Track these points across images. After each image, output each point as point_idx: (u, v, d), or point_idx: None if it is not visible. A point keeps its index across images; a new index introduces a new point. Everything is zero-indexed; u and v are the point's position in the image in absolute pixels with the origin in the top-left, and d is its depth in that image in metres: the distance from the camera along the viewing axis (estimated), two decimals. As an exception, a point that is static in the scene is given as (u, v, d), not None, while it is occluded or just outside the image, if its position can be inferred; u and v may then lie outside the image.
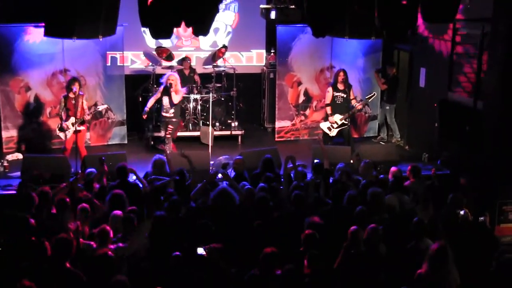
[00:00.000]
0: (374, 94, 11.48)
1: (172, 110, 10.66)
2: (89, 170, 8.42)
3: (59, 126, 10.28)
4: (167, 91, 10.61)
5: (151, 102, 10.86)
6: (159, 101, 10.88)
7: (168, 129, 10.68)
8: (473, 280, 5.92)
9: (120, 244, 6.14)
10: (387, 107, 12.40)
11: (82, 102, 10.17)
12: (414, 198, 7.58)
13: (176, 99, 10.63)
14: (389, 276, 6.02)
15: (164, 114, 10.75)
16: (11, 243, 6.15)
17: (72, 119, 10.00)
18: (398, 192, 7.57)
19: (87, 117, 10.42)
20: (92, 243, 6.22)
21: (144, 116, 10.87)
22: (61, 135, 10.28)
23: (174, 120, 10.75)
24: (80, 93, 10.12)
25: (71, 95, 9.98)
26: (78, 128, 10.05)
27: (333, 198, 7.11)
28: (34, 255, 5.86)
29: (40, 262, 5.72)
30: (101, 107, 11.01)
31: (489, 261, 6.16)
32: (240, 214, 6.82)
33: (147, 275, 5.89)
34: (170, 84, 10.54)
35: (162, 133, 10.88)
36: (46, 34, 7.42)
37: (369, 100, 11.60)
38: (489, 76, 8.96)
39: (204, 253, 5.72)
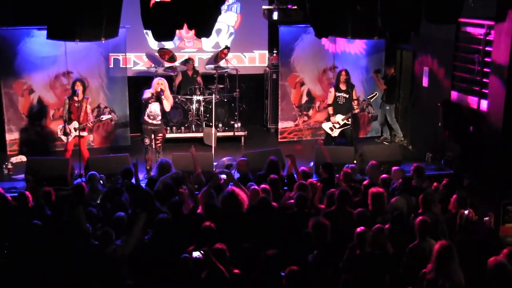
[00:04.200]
0: (376, 93, 11.49)
1: (159, 117, 10.22)
2: (91, 172, 8.43)
3: (63, 129, 10.21)
4: (157, 98, 10.08)
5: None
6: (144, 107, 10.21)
7: (159, 137, 10.24)
8: (477, 280, 5.90)
9: (118, 242, 6.16)
10: (387, 107, 12.38)
11: (86, 107, 10.15)
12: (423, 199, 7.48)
13: (168, 106, 10.18)
14: (393, 277, 6.01)
15: (149, 121, 10.13)
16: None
17: (75, 123, 10.00)
18: (406, 194, 7.51)
19: (90, 125, 10.40)
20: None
21: None
22: (63, 138, 10.26)
23: (162, 127, 10.37)
24: (85, 96, 10.12)
25: (76, 98, 9.98)
26: (81, 134, 10.05)
27: (337, 200, 7.08)
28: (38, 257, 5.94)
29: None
30: (104, 117, 10.74)
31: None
32: (248, 215, 6.81)
33: (151, 277, 5.92)
34: (162, 89, 10.04)
35: (146, 141, 10.21)
36: (49, 37, 7.46)
37: (371, 100, 11.62)
38: (493, 76, 8.95)
39: (200, 255, 5.72)
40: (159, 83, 10.10)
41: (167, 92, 10.19)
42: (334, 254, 6.08)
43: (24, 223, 6.56)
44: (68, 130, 10.11)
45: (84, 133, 10.26)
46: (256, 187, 7.47)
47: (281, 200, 7.35)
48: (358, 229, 6.09)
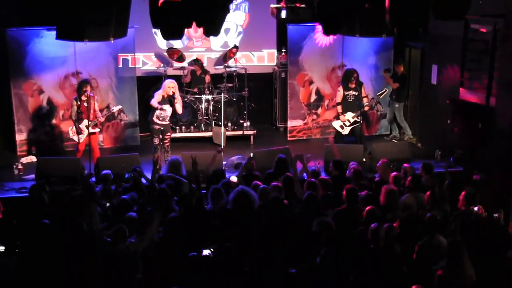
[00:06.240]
0: (385, 90, 11.49)
1: (168, 118, 10.40)
2: (105, 172, 8.45)
3: (75, 129, 10.25)
4: (169, 100, 10.28)
5: None
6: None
7: (167, 137, 10.42)
8: (487, 277, 5.90)
9: (132, 240, 6.18)
10: (396, 105, 12.36)
11: (94, 104, 10.22)
12: (431, 196, 7.47)
13: (180, 108, 10.43)
14: (403, 273, 6.00)
15: (158, 121, 10.31)
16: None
17: (85, 122, 10.05)
18: (415, 191, 7.48)
19: (101, 119, 10.47)
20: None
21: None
22: (75, 138, 10.30)
23: (169, 126, 10.58)
24: (91, 94, 10.11)
25: (84, 97, 10.02)
26: (92, 131, 10.10)
27: (347, 198, 7.07)
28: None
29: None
30: (115, 108, 10.87)
31: (503, 258, 6.13)
32: (259, 214, 6.82)
33: (162, 275, 5.95)
34: (173, 92, 10.21)
35: (156, 141, 10.43)
36: (58, 37, 7.49)
37: (381, 97, 11.61)
38: (502, 72, 8.92)
39: (210, 253, 5.74)
40: (170, 87, 10.18)
41: (177, 94, 10.29)
42: (344, 252, 6.08)
43: (37, 222, 6.58)
44: (79, 129, 10.18)
45: (96, 129, 10.36)
46: (264, 185, 7.48)
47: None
48: (372, 225, 6.08)
